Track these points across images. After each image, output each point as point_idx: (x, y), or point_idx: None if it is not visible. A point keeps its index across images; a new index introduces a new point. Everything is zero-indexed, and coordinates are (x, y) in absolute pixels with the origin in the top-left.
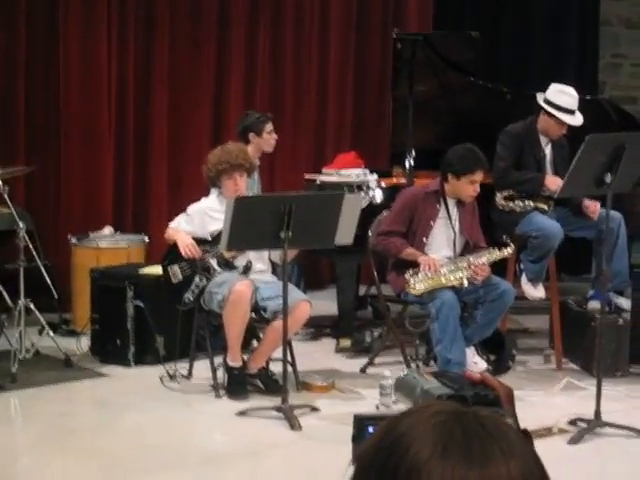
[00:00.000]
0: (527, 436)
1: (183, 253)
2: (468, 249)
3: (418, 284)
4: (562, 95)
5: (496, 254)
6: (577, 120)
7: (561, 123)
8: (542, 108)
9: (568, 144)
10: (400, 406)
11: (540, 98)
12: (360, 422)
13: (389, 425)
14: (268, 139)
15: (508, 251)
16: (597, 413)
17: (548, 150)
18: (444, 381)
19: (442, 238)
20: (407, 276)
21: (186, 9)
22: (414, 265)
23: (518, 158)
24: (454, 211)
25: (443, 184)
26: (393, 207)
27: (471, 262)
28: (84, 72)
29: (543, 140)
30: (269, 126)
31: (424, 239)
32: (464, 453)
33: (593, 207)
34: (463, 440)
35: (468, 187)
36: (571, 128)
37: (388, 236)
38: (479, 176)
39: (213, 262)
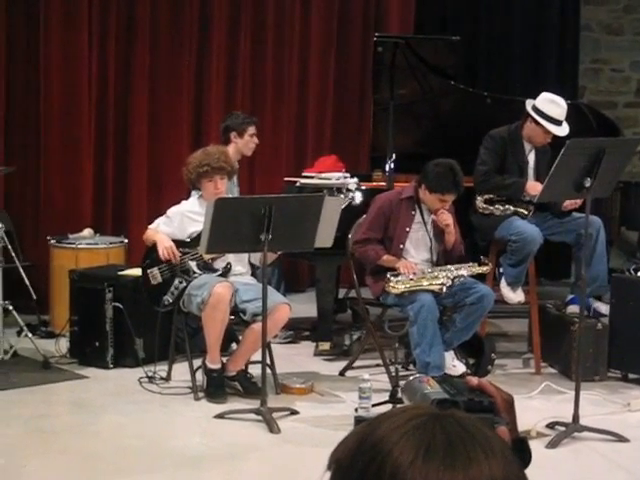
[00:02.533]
0: (524, 443)
1: (162, 256)
2: (446, 251)
3: (399, 284)
4: (551, 105)
5: (475, 269)
6: (563, 131)
7: (546, 132)
8: (529, 115)
9: (551, 151)
10: (380, 409)
11: (529, 105)
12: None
13: (367, 428)
14: (249, 142)
15: (486, 269)
16: (575, 417)
17: (531, 157)
18: (445, 387)
19: (419, 243)
20: (388, 275)
21: (167, 10)
22: (393, 270)
23: (501, 163)
24: (429, 216)
25: (417, 190)
26: (368, 214)
27: (452, 272)
28: (65, 73)
29: (527, 146)
30: (252, 129)
31: (401, 245)
32: (446, 455)
33: (571, 202)
34: (444, 442)
35: (437, 203)
36: (555, 136)
37: (365, 244)
38: (449, 198)
39: (192, 264)
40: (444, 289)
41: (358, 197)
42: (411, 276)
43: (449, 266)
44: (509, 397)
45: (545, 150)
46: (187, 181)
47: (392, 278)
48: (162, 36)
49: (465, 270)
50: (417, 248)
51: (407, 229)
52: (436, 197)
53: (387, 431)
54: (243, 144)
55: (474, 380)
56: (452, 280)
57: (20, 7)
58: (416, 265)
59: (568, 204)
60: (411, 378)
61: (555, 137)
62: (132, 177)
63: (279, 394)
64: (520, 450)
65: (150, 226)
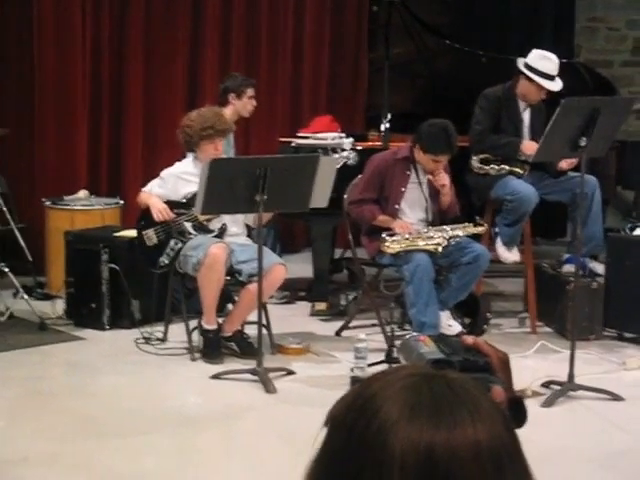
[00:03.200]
0: (519, 403)
1: (155, 217)
2: (442, 211)
3: (395, 244)
4: (543, 60)
5: (471, 229)
6: (557, 85)
7: (540, 88)
8: (522, 72)
9: (545, 109)
10: (375, 369)
11: (520, 63)
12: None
13: (361, 387)
14: (247, 104)
15: (481, 229)
16: (570, 376)
17: (526, 115)
18: (441, 346)
19: (414, 203)
20: (384, 235)
21: None
22: (388, 230)
23: (496, 122)
24: (424, 176)
25: (412, 150)
26: (363, 174)
27: (447, 233)
28: (58, 35)
29: (521, 104)
30: (251, 91)
31: (396, 205)
32: (431, 415)
33: (568, 162)
34: (431, 402)
35: (430, 163)
36: (549, 93)
37: (360, 204)
38: (443, 159)
39: (188, 225)
40: (440, 249)
41: (353, 158)
42: (407, 236)
43: (445, 226)
44: (505, 356)
45: (540, 108)
46: (185, 143)
47: (388, 238)
48: (156, 0)
49: (461, 230)
50: (412, 208)
51: (402, 189)
52: (430, 157)
53: (378, 389)
54: (241, 106)
55: (469, 339)
56: (447, 240)
57: None
58: (412, 225)
59: (564, 164)
60: (407, 337)
61: (549, 93)
62: (127, 139)
63: (275, 354)
64: (515, 410)
65: (144, 189)
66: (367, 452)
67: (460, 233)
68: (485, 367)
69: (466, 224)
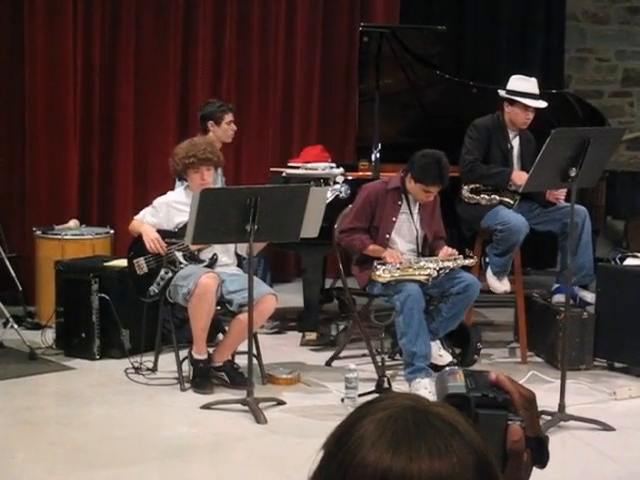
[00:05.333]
0: (542, 443)
1: (147, 247)
2: (427, 242)
3: (385, 273)
4: (521, 82)
5: (460, 261)
6: (541, 104)
7: (525, 108)
8: (505, 99)
9: (535, 139)
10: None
11: (502, 92)
12: None
13: (350, 414)
14: (227, 129)
15: (471, 262)
16: (561, 406)
17: (515, 144)
18: (468, 381)
19: (404, 233)
20: (375, 264)
21: (152, 1)
22: (379, 259)
23: (485, 151)
24: (415, 206)
25: (404, 180)
26: (354, 203)
27: (438, 263)
28: (49, 63)
29: (511, 134)
30: (229, 116)
31: (387, 235)
32: (393, 444)
33: (556, 192)
34: (398, 432)
35: (422, 193)
36: (537, 121)
37: (351, 233)
38: (433, 189)
39: (179, 255)
40: (430, 280)
41: (344, 189)
42: (397, 265)
43: (435, 257)
44: (529, 394)
45: (529, 138)
46: (173, 172)
47: (379, 267)
48: (147, 27)
49: (451, 262)
50: (403, 238)
51: (393, 219)
52: (420, 187)
53: (359, 417)
54: (221, 132)
55: (493, 375)
56: (438, 271)
57: (5, 1)
58: (402, 255)
59: (552, 196)
60: (446, 369)
61: (537, 121)
62: (118, 168)
63: (265, 384)
64: (537, 449)
65: (136, 217)
66: (341, 475)
67: (450, 264)
68: (504, 404)
69: (456, 256)
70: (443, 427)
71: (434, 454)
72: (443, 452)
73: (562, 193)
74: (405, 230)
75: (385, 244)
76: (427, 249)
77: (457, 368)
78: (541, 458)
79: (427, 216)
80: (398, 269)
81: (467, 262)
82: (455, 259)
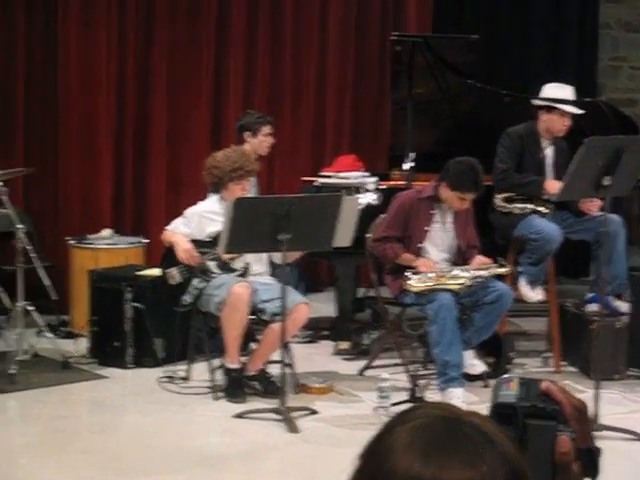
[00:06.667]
0: (593, 455)
1: (180, 259)
2: (461, 252)
3: (418, 282)
4: (557, 89)
5: (494, 270)
6: (578, 110)
7: (563, 115)
8: (541, 108)
9: (568, 147)
10: (399, 409)
11: (536, 102)
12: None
13: (385, 424)
14: (263, 141)
15: (505, 270)
16: (595, 416)
17: (549, 152)
18: (521, 390)
19: (438, 242)
20: (407, 273)
21: (185, 9)
22: (411, 268)
23: (518, 160)
24: (448, 215)
25: (438, 189)
26: (388, 212)
27: (471, 272)
28: (83, 73)
29: (544, 142)
30: (267, 128)
31: (420, 244)
32: (425, 451)
33: (590, 203)
34: (431, 440)
35: (457, 201)
36: (571, 130)
37: (384, 242)
38: (469, 197)
39: (211, 264)
40: (464, 288)
41: (377, 198)
42: (430, 275)
43: (468, 266)
44: (581, 404)
45: (563, 147)
46: (211, 185)
47: (411, 276)
48: (180, 36)
49: (484, 271)
50: (436, 247)
51: (426, 228)
52: (456, 195)
53: (394, 425)
54: (257, 143)
55: (543, 384)
56: (471, 280)
57: (38, 10)
58: (435, 264)
59: (585, 207)
60: (504, 376)
61: (571, 130)
62: (151, 177)
63: (298, 393)
64: (587, 461)
65: (168, 227)
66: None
67: (483, 273)
68: (553, 415)
69: (490, 265)
70: (475, 436)
71: (465, 463)
72: (474, 461)
73: (595, 205)
74: (438, 239)
75: (418, 253)
76: (460, 258)
77: (514, 376)
78: (592, 470)
79: (461, 225)
80: (430, 278)
81: (501, 271)
82: (488, 268)
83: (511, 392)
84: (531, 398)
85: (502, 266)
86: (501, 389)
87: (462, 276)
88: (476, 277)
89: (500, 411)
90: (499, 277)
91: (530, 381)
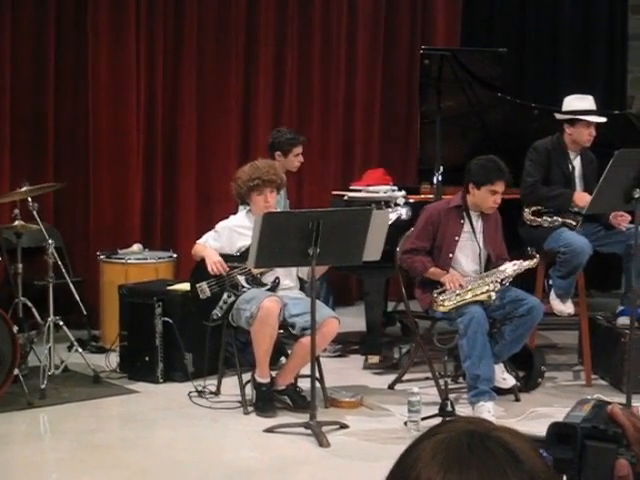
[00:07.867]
0: None
1: (210, 270)
2: (491, 262)
3: (446, 302)
4: (578, 100)
5: (522, 265)
6: (601, 118)
7: (587, 125)
8: (565, 121)
9: (597, 159)
10: (429, 423)
11: (559, 116)
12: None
13: (416, 438)
14: (293, 161)
15: (533, 262)
16: None
17: (577, 164)
18: (591, 411)
19: (468, 252)
20: (435, 294)
21: (214, 25)
22: (441, 282)
23: (546, 173)
24: (478, 224)
25: (465, 197)
26: (416, 224)
27: (498, 275)
28: (113, 88)
29: (571, 154)
30: (298, 149)
31: (450, 255)
32: (446, 462)
33: (621, 217)
34: (455, 453)
35: (488, 197)
36: (600, 142)
37: (413, 254)
38: (499, 187)
39: (241, 279)
40: (493, 295)
41: (406, 212)
42: (457, 291)
43: (494, 270)
44: None
45: (591, 159)
46: (236, 195)
47: (438, 296)
48: (209, 53)
49: (510, 268)
50: (467, 257)
51: (456, 238)
52: (486, 190)
53: (423, 438)
54: (288, 163)
55: (609, 407)
56: (500, 283)
57: (68, 27)
58: (464, 277)
59: (615, 221)
60: (586, 397)
61: (599, 140)
62: (180, 192)
63: (328, 408)
64: None
65: (199, 241)
66: None
67: (510, 271)
68: (613, 438)
69: (515, 261)
70: (499, 452)
71: (484, 477)
72: (494, 476)
73: (625, 220)
74: (469, 249)
75: (449, 264)
76: (491, 268)
77: (592, 398)
78: None
79: (490, 234)
80: (458, 295)
81: (529, 264)
82: (514, 265)
83: (579, 413)
84: (596, 420)
85: (531, 257)
86: (574, 409)
87: (489, 281)
88: (504, 278)
89: (558, 431)
90: (529, 290)
91: (604, 403)
